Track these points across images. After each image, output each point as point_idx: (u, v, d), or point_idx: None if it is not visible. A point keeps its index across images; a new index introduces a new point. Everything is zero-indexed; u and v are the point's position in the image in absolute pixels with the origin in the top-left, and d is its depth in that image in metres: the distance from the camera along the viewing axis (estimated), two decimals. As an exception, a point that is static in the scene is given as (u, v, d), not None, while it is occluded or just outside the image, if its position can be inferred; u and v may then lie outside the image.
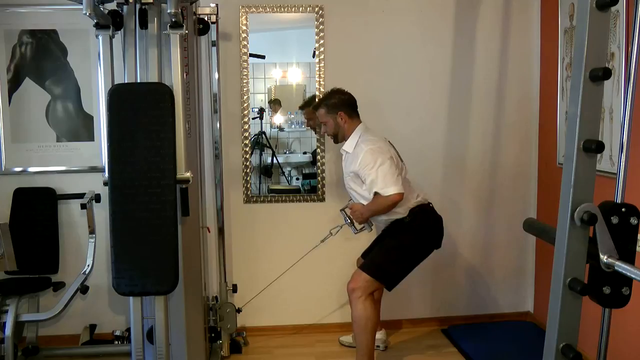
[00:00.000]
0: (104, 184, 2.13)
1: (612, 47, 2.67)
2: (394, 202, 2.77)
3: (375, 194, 2.79)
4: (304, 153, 3.57)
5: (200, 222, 2.89)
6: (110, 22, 2.24)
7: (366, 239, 3.31)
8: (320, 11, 3.37)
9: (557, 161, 3.34)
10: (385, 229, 3.00)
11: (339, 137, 3.00)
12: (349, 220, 3.05)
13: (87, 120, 3.31)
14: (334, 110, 2.94)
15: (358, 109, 3.02)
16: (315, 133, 3.45)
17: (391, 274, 2.86)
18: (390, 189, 2.75)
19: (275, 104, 3.51)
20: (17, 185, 3.21)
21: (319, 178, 3.49)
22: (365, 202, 2.88)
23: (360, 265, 2.95)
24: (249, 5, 3.33)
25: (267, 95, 3.48)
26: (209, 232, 3.24)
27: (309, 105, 3.33)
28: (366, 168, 2.79)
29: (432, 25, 3.46)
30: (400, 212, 2.88)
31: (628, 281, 1.28)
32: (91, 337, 3.33)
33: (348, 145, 2.94)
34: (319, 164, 3.49)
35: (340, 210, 3.11)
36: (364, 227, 3.03)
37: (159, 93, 2.09)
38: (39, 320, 3.07)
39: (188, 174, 2.18)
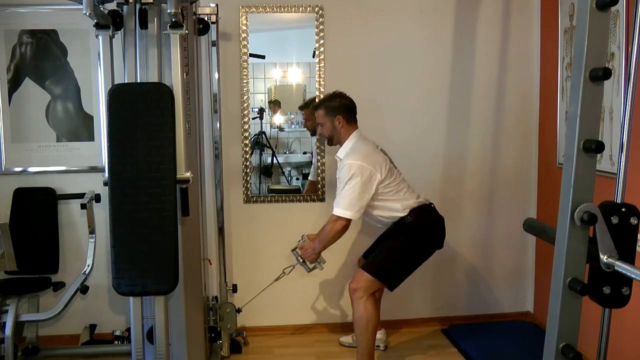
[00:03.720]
0: (104, 184, 2.13)
1: (612, 47, 2.67)
2: (342, 227, 2.82)
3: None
4: (304, 153, 3.58)
5: (202, 253, 2.89)
6: (110, 22, 2.23)
7: (367, 239, 3.32)
8: (320, 11, 3.37)
9: (557, 161, 3.34)
10: (387, 229, 3.00)
11: (334, 141, 3.00)
12: (300, 260, 3.07)
13: (87, 120, 3.31)
14: (333, 113, 2.94)
15: (357, 109, 3.01)
16: (312, 135, 3.45)
17: (393, 274, 2.86)
18: (341, 210, 2.79)
19: (274, 104, 3.51)
20: (17, 185, 3.21)
21: (319, 178, 3.49)
22: None
23: (362, 265, 2.95)
24: (249, 5, 3.33)
25: (267, 95, 3.48)
26: (210, 264, 3.25)
27: (308, 107, 3.33)
28: (339, 179, 2.86)
29: (432, 25, 3.46)
30: (402, 212, 2.88)
31: (628, 281, 1.28)
32: (91, 337, 3.33)
33: (341, 152, 2.95)
34: (318, 164, 3.49)
35: (292, 250, 3.13)
36: (315, 265, 3.06)
37: (159, 93, 2.09)
38: (39, 320, 3.07)
39: (188, 174, 2.18)
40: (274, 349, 3.35)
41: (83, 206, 3.04)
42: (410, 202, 2.89)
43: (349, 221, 2.82)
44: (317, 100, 3.30)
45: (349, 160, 2.82)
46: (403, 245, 2.88)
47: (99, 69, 2.45)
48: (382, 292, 3.12)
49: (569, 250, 1.28)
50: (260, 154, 3.51)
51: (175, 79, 2.19)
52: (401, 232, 2.90)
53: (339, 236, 2.87)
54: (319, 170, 3.49)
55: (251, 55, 3.37)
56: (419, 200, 2.93)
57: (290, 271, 3.18)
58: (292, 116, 3.54)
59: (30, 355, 3.06)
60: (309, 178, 3.54)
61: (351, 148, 2.90)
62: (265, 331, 3.51)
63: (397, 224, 2.91)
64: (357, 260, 3.22)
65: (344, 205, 2.79)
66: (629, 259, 1.26)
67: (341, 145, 2.97)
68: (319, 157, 3.49)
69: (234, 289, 3.29)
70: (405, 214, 2.88)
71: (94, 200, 3.12)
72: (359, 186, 2.78)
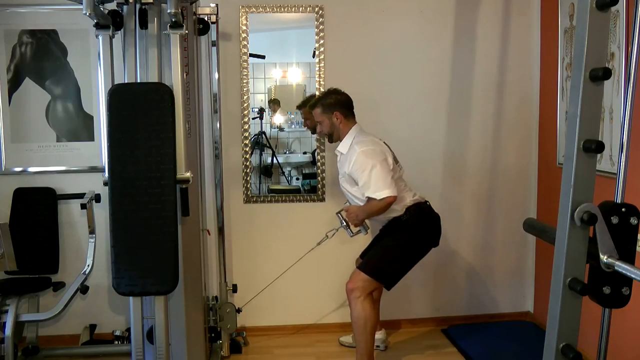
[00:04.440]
0: (104, 184, 2.13)
1: (612, 47, 2.67)
2: (388, 204, 2.77)
3: (369, 197, 2.79)
4: (304, 153, 3.57)
5: (201, 224, 2.89)
6: (110, 22, 2.23)
7: (365, 238, 3.31)
8: (320, 11, 3.38)
9: (557, 161, 3.34)
10: (382, 228, 3.00)
11: (333, 137, 3.00)
12: (344, 223, 3.05)
13: (87, 120, 3.31)
14: (330, 109, 2.94)
15: (357, 109, 3.02)
16: (312, 133, 3.44)
17: (389, 274, 2.86)
18: (382, 193, 2.74)
19: (274, 103, 3.51)
20: (17, 185, 3.21)
21: (319, 178, 3.50)
22: (360, 203, 2.89)
23: (358, 265, 2.95)
24: (249, 5, 3.33)
25: (267, 95, 3.48)
26: (209, 234, 3.24)
27: (306, 105, 3.33)
28: (358, 171, 2.80)
29: (432, 25, 3.46)
30: (398, 210, 2.88)
31: (628, 281, 1.28)
32: (91, 337, 3.33)
33: (342, 146, 2.94)
34: (318, 164, 3.49)
35: (337, 213, 3.11)
36: (359, 230, 3.04)
37: (159, 93, 2.09)
38: (39, 320, 3.07)
39: (188, 174, 2.18)
40: (274, 349, 3.35)
41: (83, 206, 3.04)
42: (406, 201, 2.90)
43: (395, 198, 2.76)
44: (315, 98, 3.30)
45: (360, 148, 2.81)
46: (399, 244, 2.88)
47: (99, 69, 2.45)
48: (380, 292, 3.12)
49: (569, 250, 1.28)
50: (260, 154, 3.51)
51: (175, 79, 2.19)
52: (397, 231, 2.90)
53: (384, 211, 2.83)
54: (319, 170, 3.49)
55: (251, 55, 3.37)
56: (414, 199, 2.93)
57: (334, 234, 3.18)
58: (292, 116, 3.54)
59: (30, 355, 3.06)
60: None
61: (354, 141, 2.89)
62: (265, 331, 3.51)
63: (393, 222, 2.91)
64: (355, 260, 3.22)
65: (382, 187, 2.74)
66: (629, 259, 1.26)
67: (341, 141, 2.97)
68: (318, 157, 3.49)
69: (234, 289, 3.29)
70: (402, 212, 2.88)
71: (94, 200, 3.12)
72: (384, 165, 2.77)
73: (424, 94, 3.50)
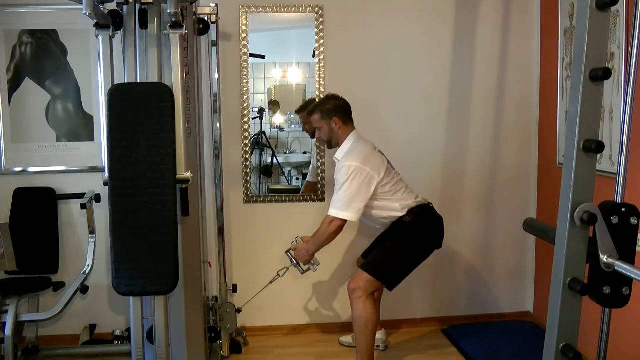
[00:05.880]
0: (104, 184, 2.13)
1: (612, 47, 2.67)
2: (337, 228, 2.80)
3: (327, 215, 2.81)
4: (304, 153, 3.58)
5: (202, 256, 2.88)
6: (110, 22, 2.23)
7: (366, 239, 3.32)
8: (320, 11, 3.38)
9: (557, 161, 3.34)
10: (385, 229, 3.00)
11: (332, 143, 2.99)
12: (294, 262, 3.05)
13: (87, 120, 3.31)
14: (329, 115, 2.93)
15: (357, 109, 3.01)
16: (312, 138, 3.44)
17: (392, 274, 2.86)
18: (337, 211, 2.77)
19: (274, 105, 3.51)
20: (17, 185, 3.21)
21: (319, 178, 3.49)
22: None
23: (361, 265, 2.95)
24: (249, 5, 3.33)
25: (267, 95, 3.48)
26: (210, 267, 3.24)
27: (305, 110, 3.32)
28: (338, 181, 2.83)
29: (432, 25, 3.46)
30: (400, 211, 2.88)
31: (628, 281, 1.28)
32: (91, 337, 3.33)
33: (339, 153, 2.94)
34: (318, 164, 3.49)
35: (286, 252, 3.10)
36: (309, 267, 3.04)
37: (159, 93, 2.09)
38: (39, 320, 3.07)
39: (188, 174, 2.18)
40: (274, 349, 3.35)
41: (83, 206, 3.04)
42: (409, 202, 2.89)
43: (344, 222, 2.80)
44: (316, 100, 3.29)
45: (347, 162, 2.81)
46: (402, 245, 2.88)
47: (99, 69, 2.45)
48: (381, 292, 3.12)
49: (569, 250, 1.28)
50: (260, 154, 3.51)
51: (175, 79, 2.19)
52: (400, 232, 2.90)
53: (333, 238, 2.86)
54: (319, 171, 3.49)
55: (251, 55, 3.37)
56: (417, 200, 2.93)
57: (285, 273, 3.16)
58: (292, 116, 3.54)
59: (30, 355, 3.06)
60: (307, 179, 3.54)
61: (349, 149, 2.89)
62: (265, 331, 3.51)
63: (396, 224, 2.91)
64: (356, 260, 3.22)
65: (340, 207, 2.78)
66: (629, 259, 1.26)
67: (339, 147, 2.96)
68: (318, 158, 3.49)
69: (234, 289, 3.29)
70: (404, 213, 2.88)
71: (94, 200, 3.12)
72: (356, 187, 2.77)
73: (424, 94, 3.50)
